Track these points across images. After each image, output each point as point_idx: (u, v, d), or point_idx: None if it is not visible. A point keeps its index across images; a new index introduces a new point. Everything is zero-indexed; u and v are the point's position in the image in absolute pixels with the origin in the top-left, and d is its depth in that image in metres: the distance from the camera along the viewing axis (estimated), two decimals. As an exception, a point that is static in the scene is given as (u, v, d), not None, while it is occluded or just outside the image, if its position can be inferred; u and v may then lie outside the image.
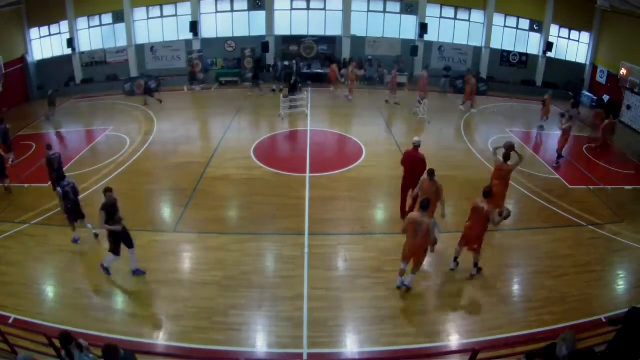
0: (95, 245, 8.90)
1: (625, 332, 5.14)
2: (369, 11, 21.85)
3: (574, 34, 21.34)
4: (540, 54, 21.54)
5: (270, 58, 21.93)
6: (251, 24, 21.87)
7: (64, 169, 11.74)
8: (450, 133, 15.86)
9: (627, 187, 12.13)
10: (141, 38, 21.36)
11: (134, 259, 7.91)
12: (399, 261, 8.30)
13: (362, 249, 8.85)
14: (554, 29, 21.32)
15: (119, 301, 7.51)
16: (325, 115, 17.10)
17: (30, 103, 19.68)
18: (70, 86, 20.80)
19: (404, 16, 21.83)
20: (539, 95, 20.84)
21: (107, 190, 7.57)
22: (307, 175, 12.00)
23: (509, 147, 9.40)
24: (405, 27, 22.01)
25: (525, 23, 21.64)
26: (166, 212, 10.47)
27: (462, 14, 21.77)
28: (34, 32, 20.22)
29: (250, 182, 11.65)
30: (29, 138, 15.04)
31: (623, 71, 18.09)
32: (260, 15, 21.61)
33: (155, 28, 21.44)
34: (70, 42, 20.38)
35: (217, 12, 21.59)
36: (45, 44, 20.67)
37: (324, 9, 21.85)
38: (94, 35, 21.09)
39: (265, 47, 21.21)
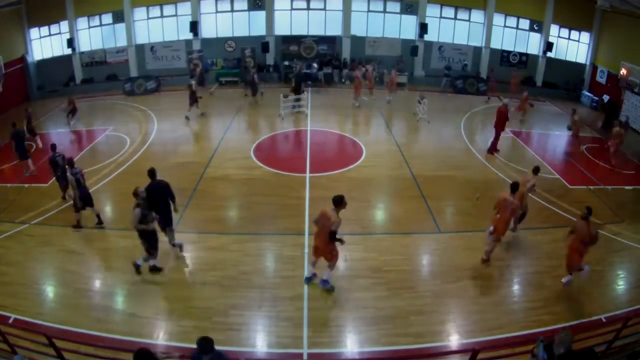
0: (96, 245, 8.90)
1: None
2: (369, 11, 21.86)
3: (574, 34, 21.35)
4: (540, 54, 21.55)
5: (270, 58, 21.95)
6: (251, 24, 21.88)
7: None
8: (450, 133, 15.85)
9: (627, 187, 12.13)
10: (141, 38, 21.36)
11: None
12: (399, 261, 8.32)
13: (362, 249, 8.85)
14: (554, 29, 21.34)
15: (119, 301, 7.51)
16: (325, 115, 17.09)
17: (30, 103, 19.65)
18: (70, 86, 20.80)
19: (404, 16, 21.84)
20: (538, 95, 20.96)
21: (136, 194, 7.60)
22: (307, 175, 12.00)
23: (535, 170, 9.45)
24: (405, 27, 22.02)
25: (525, 23, 21.65)
26: (166, 212, 10.45)
27: (462, 14, 21.78)
28: (34, 32, 20.22)
29: (250, 182, 11.65)
30: (28, 138, 15.00)
31: (623, 71, 18.09)
32: (260, 15, 21.61)
33: (155, 28, 21.44)
34: (70, 42, 20.38)
35: (217, 12, 21.60)
36: (45, 44, 20.66)
37: (324, 9, 21.85)
38: (94, 35, 21.09)
39: (265, 47, 21.22)
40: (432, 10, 21.52)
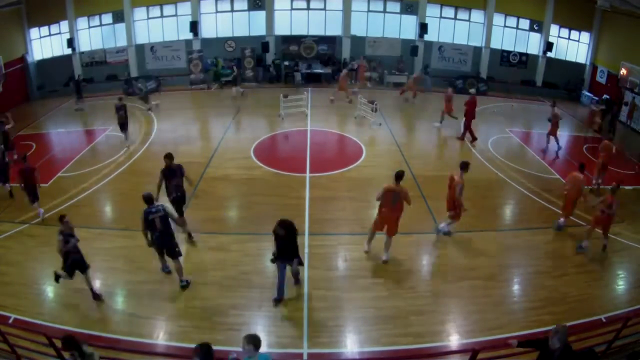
0: (95, 245, 8.89)
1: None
2: (369, 11, 21.85)
3: (574, 34, 21.35)
4: (540, 54, 21.55)
5: (269, 58, 21.95)
6: (251, 24, 21.86)
7: (65, 168, 11.77)
8: (450, 133, 15.83)
9: (627, 187, 12.12)
10: (141, 38, 21.35)
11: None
12: (399, 261, 8.32)
13: (362, 249, 8.85)
14: (554, 29, 21.33)
15: (119, 301, 7.51)
16: (325, 115, 17.09)
17: (30, 103, 19.68)
18: (70, 86, 20.77)
19: (404, 16, 21.82)
20: (539, 95, 20.97)
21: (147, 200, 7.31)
22: (307, 175, 12.00)
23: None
24: (405, 27, 22.00)
25: (525, 23, 21.64)
26: (166, 212, 10.46)
27: (462, 14, 21.77)
28: (34, 32, 20.21)
29: (250, 182, 11.64)
30: (29, 138, 15.04)
31: (623, 71, 18.09)
32: (260, 15, 21.61)
33: (155, 28, 21.43)
34: (70, 42, 20.37)
35: (217, 12, 21.59)
36: (45, 43, 20.65)
37: (324, 9, 21.85)
38: (94, 35, 21.08)
39: (265, 47, 21.21)
40: (432, 10, 21.50)
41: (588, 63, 21.28)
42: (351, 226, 9.71)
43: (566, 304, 7.46)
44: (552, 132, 14.25)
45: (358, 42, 21.96)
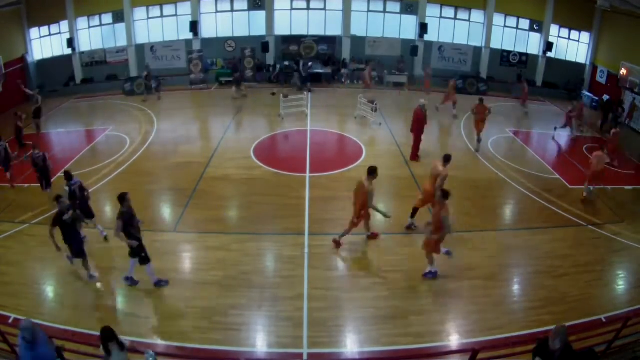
0: (95, 245, 8.90)
1: None
2: (369, 11, 21.84)
3: (574, 34, 21.34)
4: (540, 54, 21.54)
5: (270, 58, 21.95)
6: (251, 24, 21.86)
7: (65, 168, 11.75)
8: (450, 133, 15.85)
9: (627, 187, 12.13)
10: (141, 38, 21.35)
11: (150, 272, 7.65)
12: (399, 261, 8.32)
13: (362, 249, 8.85)
14: (554, 29, 21.31)
15: (119, 301, 7.51)
16: (325, 115, 17.09)
17: (30, 103, 19.64)
18: (70, 86, 20.81)
19: (404, 16, 21.82)
20: (538, 95, 20.97)
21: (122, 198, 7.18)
22: (307, 175, 12.00)
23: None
24: (405, 27, 22.00)
25: (525, 23, 21.64)
26: (166, 212, 10.47)
27: (462, 14, 21.76)
28: (34, 32, 20.21)
29: (250, 182, 11.64)
30: (29, 138, 14.96)
31: (623, 71, 18.09)
32: (260, 15, 21.61)
33: (155, 28, 21.42)
34: (70, 42, 20.37)
35: (217, 12, 21.58)
36: (45, 43, 20.65)
37: (324, 9, 21.84)
38: (94, 35, 21.08)
39: (265, 47, 21.21)
40: (432, 10, 21.50)
41: (588, 63, 21.28)
42: (351, 226, 9.70)
43: (566, 304, 7.46)
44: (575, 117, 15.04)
45: (358, 42, 21.96)
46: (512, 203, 11.31)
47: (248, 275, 7.98)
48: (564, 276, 8.20)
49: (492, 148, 14.35)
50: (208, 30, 21.71)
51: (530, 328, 6.86)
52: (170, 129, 15.67)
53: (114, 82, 20.82)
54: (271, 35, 21.72)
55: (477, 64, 21.91)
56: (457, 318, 7.17)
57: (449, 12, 21.74)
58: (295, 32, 22.03)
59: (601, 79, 20.20)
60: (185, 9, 21.05)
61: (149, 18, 21.21)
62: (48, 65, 20.56)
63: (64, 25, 20.48)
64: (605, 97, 19.03)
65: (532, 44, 21.82)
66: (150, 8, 21.00)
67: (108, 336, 4.86)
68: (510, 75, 21.25)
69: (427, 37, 21.62)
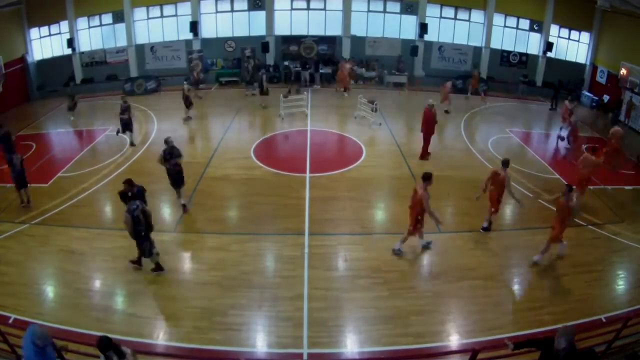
0: (95, 245, 8.90)
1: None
2: (369, 11, 21.84)
3: (574, 34, 21.34)
4: (540, 54, 21.54)
5: (270, 58, 21.95)
6: (251, 24, 21.86)
7: (65, 168, 11.79)
8: (450, 133, 15.85)
9: (627, 187, 12.13)
10: (141, 38, 21.35)
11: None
12: (399, 261, 8.33)
13: (362, 249, 8.85)
14: (554, 29, 21.31)
15: (119, 301, 7.51)
16: (325, 115, 17.10)
17: (31, 103, 19.69)
18: (70, 86, 20.79)
19: (404, 16, 21.81)
20: (538, 95, 20.97)
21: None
22: (307, 175, 12.00)
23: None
24: (405, 27, 22.00)
25: (525, 23, 21.63)
26: (166, 212, 10.47)
27: (462, 14, 21.76)
28: (34, 32, 20.21)
29: (250, 182, 11.64)
30: (29, 138, 15.05)
31: (623, 71, 18.09)
32: (260, 15, 21.61)
33: (155, 28, 21.42)
34: (70, 42, 20.37)
35: (217, 12, 21.58)
36: (45, 44, 20.65)
37: (324, 9, 21.84)
38: (94, 35, 21.08)
39: (265, 47, 21.21)
40: (432, 10, 21.49)
41: (588, 63, 21.28)
42: (351, 226, 9.71)
43: (566, 304, 7.46)
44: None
45: (358, 42, 21.96)
46: (512, 203, 11.26)
47: (248, 275, 7.98)
48: (564, 276, 8.20)
49: (492, 148, 14.35)
50: (208, 30, 21.71)
51: (530, 328, 6.85)
52: (170, 129, 15.64)
53: (114, 82, 20.82)
54: (271, 36, 21.72)
55: (477, 64, 21.88)
56: (457, 318, 7.17)
57: (449, 12, 21.74)
58: (295, 32, 22.03)
59: (601, 79, 20.20)
60: (185, 9, 21.05)
61: (149, 18, 21.20)
62: (48, 65, 20.56)
63: (64, 25, 20.48)
64: (605, 97, 19.05)
65: (532, 44, 21.82)
66: (150, 8, 21.00)
67: (105, 346, 4.78)
68: (512, 76, 21.23)
69: (427, 37, 21.62)
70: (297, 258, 8.48)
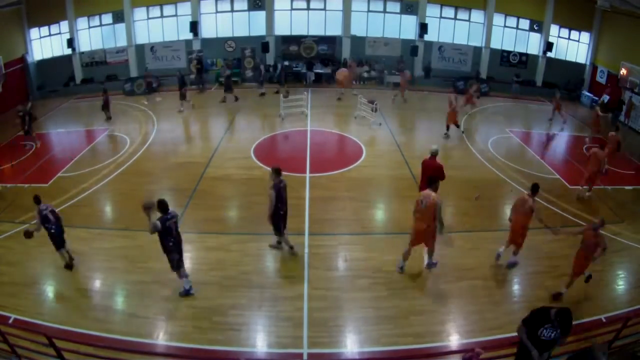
0: (95, 245, 8.89)
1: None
2: (369, 11, 21.85)
3: (574, 34, 21.34)
4: (540, 54, 21.54)
5: (270, 58, 21.96)
6: (251, 24, 21.86)
7: (65, 168, 11.78)
8: (450, 133, 15.83)
9: (627, 187, 12.12)
10: (141, 38, 21.35)
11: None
12: (398, 261, 8.32)
13: (362, 249, 8.85)
14: (554, 29, 21.32)
15: (119, 301, 7.51)
16: (325, 115, 17.10)
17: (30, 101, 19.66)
18: (70, 86, 20.81)
19: (404, 16, 21.82)
20: (538, 95, 20.97)
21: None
22: (307, 175, 12.00)
23: None
24: (405, 27, 22.00)
25: (525, 23, 21.64)
26: (166, 212, 10.45)
27: (462, 14, 21.76)
28: (34, 32, 20.22)
29: (250, 182, 11.64)
30: (29, 138, 15.02)
31: (623, 71, 18.09)
32: (260, 15, 21.61)
33: (155, 28, 21.43)
34: (70, 42, 20.38)
35: (217, 12, 21.58)
36: (45, 44, 20.66)
37: (324, 9, 21.85)
38: (94, 35, 21.09)
39: (265, 47, 21.22)
40: (432, 10, 21.50)
41: (588, 63, 21.28)
42: (351, 226, 9.71)
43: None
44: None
45: (358, 42, 21.96)
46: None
47: (248, 275, 7.98)
48: (564, 276, 8.17)
49: (492, 148, 14.35)
50: (208, 30, 21.71)
51: (530, 328, 6.84)
52: (170, 129, 15.68)
53: (114, 82, 20.80)
54: (271, 36, 21.72)
55: (477, 64, 21.91)
56: (457, 318, 7.17)
57: (449, 12, 21.74)
58: (295, 32, 22.03)
59: (601, 79, 20.21)
60: (185, 9, 21.06)
61: (149, 18, 21.21)
62: (48, 65, 20.57)
63: (64, 25, 20.49)
64: (606, 97, 19.04)
65: (532, 44, 21.82)
66: (150, 8, 21.01)
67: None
68: (510, 76, 21.24)
69: (427, 37, 21.62)
70: (297, 258, 8.47)
